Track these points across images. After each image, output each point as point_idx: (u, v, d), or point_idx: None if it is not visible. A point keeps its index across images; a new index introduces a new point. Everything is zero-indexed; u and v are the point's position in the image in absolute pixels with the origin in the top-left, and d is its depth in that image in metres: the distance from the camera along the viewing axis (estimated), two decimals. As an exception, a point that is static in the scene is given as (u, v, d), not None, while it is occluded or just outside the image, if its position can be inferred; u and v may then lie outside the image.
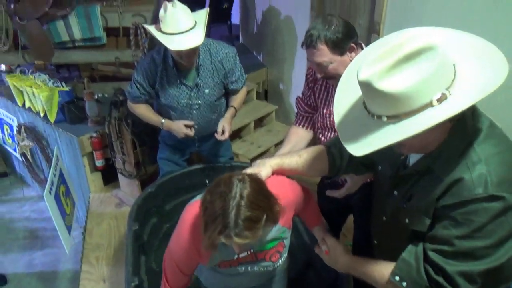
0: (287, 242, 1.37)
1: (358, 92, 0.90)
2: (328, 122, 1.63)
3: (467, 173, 0.89)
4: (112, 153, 2.67)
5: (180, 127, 1.99)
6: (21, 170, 3.74)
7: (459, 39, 0.91)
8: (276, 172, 1.33)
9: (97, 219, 2.72)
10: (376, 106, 0.85)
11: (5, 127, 3.41)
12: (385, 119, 0.84)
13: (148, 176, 2.71)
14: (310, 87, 1.71)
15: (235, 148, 3.23)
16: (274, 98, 3.86)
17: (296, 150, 1.42)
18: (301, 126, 1.81)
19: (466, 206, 0.89)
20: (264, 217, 1.03)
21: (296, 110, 1.86)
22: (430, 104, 0.80)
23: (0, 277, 2.77)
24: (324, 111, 1.63)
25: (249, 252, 1.30)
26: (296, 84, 3.55)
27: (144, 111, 2.09)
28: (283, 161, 1.34)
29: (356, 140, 0.89)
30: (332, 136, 1.65)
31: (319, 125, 1.69)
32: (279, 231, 1.31)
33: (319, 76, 1.51)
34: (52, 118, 2.82)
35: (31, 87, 2.78)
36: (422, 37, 0.81)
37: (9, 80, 2.97)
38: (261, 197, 1.06)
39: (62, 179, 2.36)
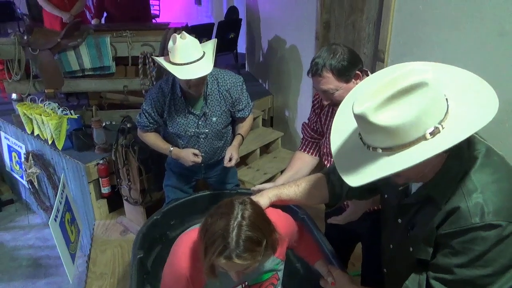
0: (280, 274, 1.35)
1: (354, 123, 0.93)
2: None
3: (463, 202, 0.90)
4: (118, 180, 2.68)
5: (188, 155, 2.00)
6: (27, 197, 3.74)
7: (453, 74, 0.94)
8: (275, 203, 1.34)
9: (101, 247, 2.69)
10: (371, 138, 0.88)
11: (14, 154, 3.44)
12: (380, 151, 0.87)
13: (153, 203, 2.70)
14: (317, 113, 1.72)
15: (241, 174, 3.23)
16: (279, 125, 3.89)
17: (294, 179, 1.42)
18: (306, 152, 1.81)
19: (464, 235, 0.90)
20: (265, 242, 1.04)
21: (301, 136, 1.86)
22: (423, 138, 0.83)
23: (1, 307, 2.73)
24: (328, 135, 1.64)
25: (243, 286, 1.28)
26: (301, 111, 3.58)
27: (153, 140, 2.11)
28: (281, 192, 1.35)
29: (353, 171, 0.91)
30: None
31: (325, 151, 1.70)
32: (274, 262, 1.30)
33: (325, 103, 1.53)
34: (60, 146, 2.85)
35: (41, 115, 2.83)
36: (416, 73, 0.84)
37: (19, 108, 3.03)
38: (262, 220, 1.07)
39: (68, 206, 2.35)
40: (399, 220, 1.11)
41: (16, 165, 3.46)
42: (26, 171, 3.21)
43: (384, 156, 0.86)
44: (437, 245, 0.97)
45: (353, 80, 1.47)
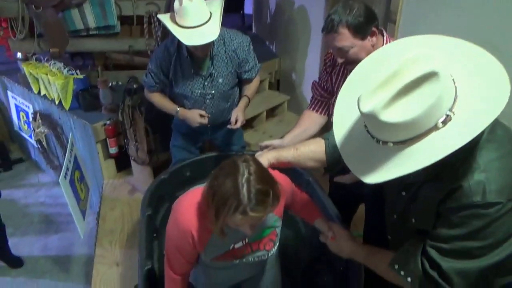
0: (278, 230, 1.40)
1: (357, 111, 0.89)
2: None
3: (465, 180, 0.90)
4: (125, 140, 2.71)
5: (195, 116, 2.01)
6: (37, 156, 3.81)
7: (459, 49, 0.90)
8: (273, 165, 1.37)
9: (110, 204, 2.77)
10: (381, 133, 0.86)
11: (21, 114, 3.47)
12: (391, 145, 0.85)
13: (160, 163, 2.74)
14: (328, 72, 1.70)
15: (247, 137, 3.24)
16: (286, 88, 3.85)
17: (294, 144, 1.43)
18: (314, 111, 1.80)
19: (464, 210, 0.90)
20: (271, 192, 1.07)
21: (311, 94, 1.84)
22: (435, 127, 0.81)
23: (16, 259, 2.85)
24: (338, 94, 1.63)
25: (244, 242, 1.33)
26: (308, 75, 3.53)
27: (160, 100, 2.11)
28: (280, 154, 1.37)
29: (365, 166, 0.89)
30: None
31: (333, 110, 1.69)
32: (272, 219, 1.34)
33: (339, 61, 1.50)
34: (67, 106, 2.86)
35: (47, 74, 2.82)
36: (423, 61, 0.80)
37: (25, 68, 3.01)
38: (266, 173, 1.13)
39: (76, 165, 2.40)
40: (403, 193, 1.12)
41: (24, 125, 3.50)
42: (34, 130, 3.25)
43: (397, 151, 0.84)
44: (437, 216, 0.98)
45: (368, 37, 1.44)
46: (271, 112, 3.71)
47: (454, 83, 0.84)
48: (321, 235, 1.38)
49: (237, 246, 1.33)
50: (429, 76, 0.78)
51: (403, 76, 0.79)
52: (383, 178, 0.85)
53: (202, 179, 2.28)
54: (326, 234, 1.35)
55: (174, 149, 2.34)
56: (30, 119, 3.29)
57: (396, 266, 1.06)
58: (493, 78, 0.83)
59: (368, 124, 0.89)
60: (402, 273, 1.04)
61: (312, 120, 1.80)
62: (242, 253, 1.34)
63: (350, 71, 1.56)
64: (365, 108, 0.82)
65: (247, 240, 1.33)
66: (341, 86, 1.60)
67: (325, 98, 1.76)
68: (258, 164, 1.12)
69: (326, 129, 1.76)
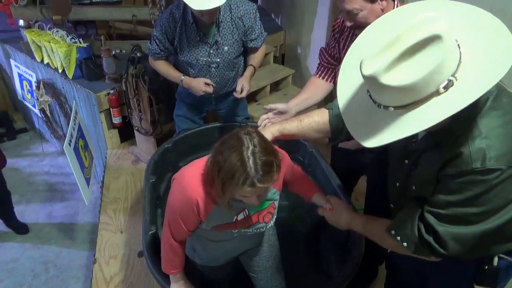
0: (277, 203, 1.41)
1: (360, 78, 0.88)
2: None
3: (466, 147, 0.89)
4: (129, 110, 2.71)
5: (200, 84, 1.99)
6: (40, 126, 3.82)
7: (465, 13, 0.88)
8: (277, 138, 1.37)
9: (114, 174, 2.79)
10: (382, 97, 0.85)
11: (25, 83, 3.46)
12: (392, 109, 0.84)
13: (164, 134, 2.74)
14: (336, 38, 1.67)
15: (250, 110, 3.21)
16: (291, 62, 3.81)
17: (297, 116, 1.43)
18: (321, 77, 1.78)
19: (463, 176, 0.90)
20: (275, 162, 1.09)
21: (317, 65, 1.82)
22: (436, 93, 0.80)
23: (22, 226, 2.90)
24: None
25: (245, 214, 1.34)
26: (314, 49, 3.48)
27: (164, 68, 2.09)
28: (283, 127, 1.37)
29: (366, 131, 0.89)
30: None
31: None
32: (271, 192, 1.35)
33: (348, 24, 1.48)
34: (70, 74, 2.84)
35: (49, 42, 2.79)
36: (427, 24, 0.78)
37: (28, 35, 2.98)
38: (269, 144, 1.13)
39: (80, 133, 2.41)
40: (406, 161, 1.13)
41: (27, 94, 3.49)
42: (37, 99, 3.24)
43: (397, 116, 0.84)
44: (436, 183, 0.98)
45: (378, 1, 1.41)
46: (275, 86, 3.67)
47: (459, 48, 0.82)
48: (319, 209, 1.39)
49: (239, 218, 1.34)
50: (432, 39, 0.76)
51: (405, 39, 0.78)
52: (381, 142, 0.85)
53: (206, 149, 2.29)
54: (324, 207, 1.37)
55: (178, 119, 2.34)
56: (34, 88, 3.28)
57: (393, 232, 1.07)
58: (499, 44, 0.81)
59: (370, 88, 0.88)
60: (398, 238, 1.06)
61: (318, 87, 1.78)
62: (243, 225, 1.36)
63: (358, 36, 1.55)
64: (367, 71, 0.81)
65: (247, 212, 1.34)
66: (348, 45, 1.59)
67: (332, 65, 1.74)
68: (261, 135, 1.13)
69: (331, 97, 1.76)
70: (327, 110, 1.36)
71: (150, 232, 1.63)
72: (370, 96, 0.89)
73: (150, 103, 2.53)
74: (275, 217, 1.44)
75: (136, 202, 2.54)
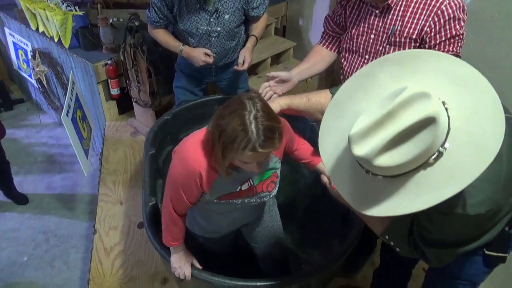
0: (278, 172, 1.41)
1: (346, 131, 0.85)
2: (354, 44, 1.57)
3: None
4: (127, 81, 2.66)
5: (200, 55, 1.94)
6: (37, 96, 3.77)
7: (451, 69, 0.84)
8: (283, 112, 1.37)
9: (113, 146, 2.77)
10: (371, 168, 0.83)
11: (20, 52, 3.38)
12: (380, 177, 0.83)
13: (162, 107, 2.71)
14: (342, 5, 1.62)
15: (251, 83, 3.15)
16: (292, 35, 3.72)
17: (306, 93, 1.41)
18: (325, 46, 1.75)
19: (444, 214, 0.90)
20: (278, 128, 1.07)
21: (319, 40, 1.78)
22: (426, 164, 0.79)
23: (21, 196, 2.91)
24: (353, 31, 1.56)
25: (249, 184, 1.34)
26: (317, 21, 3.39)
27: (163, 37, 2.03)
28: (292, 102, 1.37)
29: (359, 196, 0.89)
30: (356, 60, 1.61)
31: (344, 46, 1.63)
32: (273, 161, 1.35)
33: None
34: (66, 44, 2.77)
35: (44, 9, 2.70)
36: (418, 103, 0.75)
37: (22, 2, 2.89)
38: (272, 110, 1.11)
39: (78, 104, 2.37)
40: None
41: (23, 64, 3.42)
42: (34, 69, 3.17)
43: (386, 183, 0.83)
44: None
45: None
46: (276, 59, 3.61)
47: (447, 111, 0.80)
48: (322, 176, 1.38)
49: (244, 188, 1.33)
50: (426, 123, 0.74)
51: (399, 120, 0.76)
52: (376, 213, 0.85)
53: (206, 122, 2.26)
54: (327, 177, 1.35)
55: (177, 90, 2.30)
56: (29, 57, 3.21)
57: (387, 237, 1.10)
58: (485, 100, 0.79)
59: (359, 161, 0.87)
60: (392, 243, 1.09)
61: (321, 55, 1.74)
62: (247, 194, 1.35)
63: (365, 4, 1.50)
64: (359, 152, 0.79)
65: (252, 182, 1.33)
66: (354, 21, 1.55)
67: (337, 33, 1.70)
68: (264, 101, 1.11)
69: (334, 66, 1.72)
70: (330, 94, 1.35)
71: (150, 204, 1.63)
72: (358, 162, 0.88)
73: (148, 74, 2.49)
74: (278, 186, 1.43)
75: (136, 174, 2.54)
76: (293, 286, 1.40)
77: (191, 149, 1.22)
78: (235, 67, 1.99)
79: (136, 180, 2.48)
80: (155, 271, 1.97)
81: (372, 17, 1.48)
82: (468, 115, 0.79)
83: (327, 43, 1.74)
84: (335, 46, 1.73)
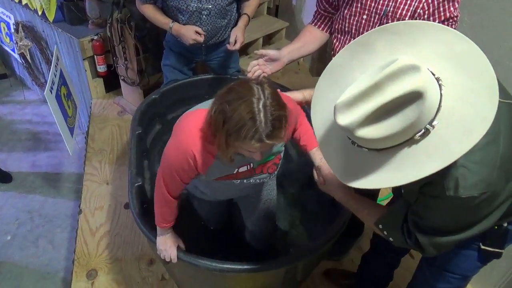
0: (282, 154, 1.37)
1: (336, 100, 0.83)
2: (346, 25, 1.53)
3: (438, 176, 0.83)
4: (114, 58, 2.58)
5: (190, 32, 1.87)
6: (21, 72, 3.65)
7: (452, 44, 0.81)
8: (301, 104, 1.38)
9: (99, 124, 2.71)
10: (356, 139, 0.82)
11: (2, 25, 3.25)
12: (365, 150, 0.82)
13: (151, 86, 2.64)
14: None
15: (241, 63, 3.08)
16: (285, 15, 3.64)
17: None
18: (316, 26, 1.70)
19: (438, 198, 0.89)
20: (285, 117, 1.02)
21: (315, 9, 1.72)
22: (412, 140, 0.77)
23: (5, 174, 2.84)
24: (345, 11, 1.52)
25: (248, 167, 1.31)
26: (310, 1, 3.32)
27: (152, 13, 1.95)
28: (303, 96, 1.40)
29: (345, 168, 0.89)
30: (348, 41, 1.57)
31: (336, 27, 1.59)
32: (279, 144, 1.30)
33: None
34: (50, 17, 2.67)
35: (27, -20, 2.59)
36: (407, 75, 0.72)
37: (3, -29, 2.76)
38: (280, 97, 1.03)
39: (63, 80, 2.29)
40: None
41: (6, 37, 3.29)
42: (17, 43, 3.06)
43: (371, 156, 0.82)
44: (419, 193, 0.97)
45: None
46: (268, 39, 3.54)
47: (440, 88, 0.77)
48: (314, 169, 1.33)
49: (241, 170, 1.30)
50: (413, 97, 0.72)
51: (384, 92, 0.73)
52: (357, 185, 0.85)
53: (195, 102, 2.21)
54: (317, 167, 1.32)
55: (166, 69, 2.23)
56: (12, 30, 3.09)
57: (380, 226, 1.08)
58: (482, 81, 0.77)
59: (345, 131, 0.85)
60: (385, 233, 1.08)
61: (312, 36, 1.70)
62: (245, 176, 1.32)
63: None
64: (342, 121, 0.78)
65: (252, 165, 1.30)
66: (347, 0, 1.50)
67: (329, 13, 1.65)
68: (273, 86, 1.03)
69: (325, 47, 1.68)
70: None
71: (136, 184, 1.60)
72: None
73: (136, 51, 2.41)
74: (279, 167, 1.40)
75: (122, 153, 2.49)
76: (280, 269, 1.39)
77: (188, 131, 1.17)
78: (227, 46, 1.93)
79: (123, 160, 2.44)
80: (142, 252, 1.95)
81: None
82: (462, 94, 0.77)
83: (319, 23, 1.69)
84: (327, 26, 1.68)
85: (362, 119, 0.75)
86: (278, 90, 1.09)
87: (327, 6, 1.63)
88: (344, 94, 0.78)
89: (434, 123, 0.76)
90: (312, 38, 1.69)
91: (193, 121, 1.18)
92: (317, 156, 1.36)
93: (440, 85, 0.77)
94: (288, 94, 1.49)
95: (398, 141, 0.78)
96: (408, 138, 0.77)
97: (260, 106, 0.96)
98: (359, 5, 1.46)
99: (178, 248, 1.38)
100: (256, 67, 1.59)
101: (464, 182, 0.84)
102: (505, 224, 1.06)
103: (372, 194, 1.85)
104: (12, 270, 2.29)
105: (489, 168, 0.85)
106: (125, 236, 2.03)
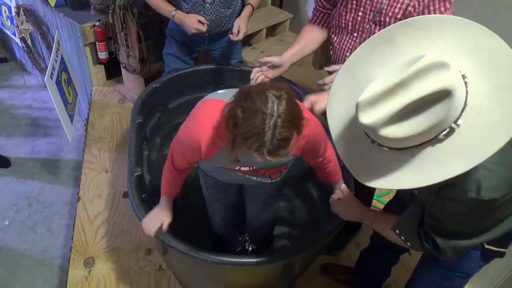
0: (289, 164, 1.37)
1: (355, 96, 0.80)
2: (343, 21, 1.54)
3: (459, 178, 0.80)
4: (115, 45, 2.55)
5: (193, 21, 1.84)
6: (22, 56, 3.61)
7: (477, 39, 0.78)
8: None
9: (99, 112, 2.69)
10: (377, 138, 0.79)
11: (3, 8, 3.20)
12: (386, 149, 0.80)
13: (152, 74, 2.61)
14: None
15: (245, 55, 3.06)
16: (289, 6, 3.60)
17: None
18: (316, 24, 1.70)
19: (458, 201, 0.87)
20: (294, 136, 1.00)
21: (314, 5, 1.71)
22: (436, 139, 0.75)
23: (3, 159, 2.83)
24: (342, 8, 1.52)
25: (251, 168, 1.32)
26: (315, -8, 3.27)
27: (155, 0, 1.92)
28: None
29: (363, 167, 0.86)
30: (345, 37, 1.57)
31: (334, 23, 1.60)
32: (287, 158, 1.28)
33: None
34: (52, 1, 2.63)
35: (29, -37, 2.54)
36: (435, 73, 0.69)
37: (5, -47, 2.71)
38: (295, 114, 1.00)
39: (63, 66, 2.27)
40: None
41: (7, 20, 3.25)
42: (18, 27, 3.02)
43: (391, 154, 0.80)
44: (436, 196, 0.94)
45: None
46: (272, 31, 3.50)
47: (466, 85, 0.74)
48: (331, 198, 1.36)
49: (243, 169, 1.32)
50: (441, 95, 0.69)
51: (411, 89, 0.70)
52: (376, 184, 0.83)
53: (197, 92, 2.21)
54: (333, 197, 1.35)
55: (168, 58, 2.20)
56: (13, 14, 3.04)
57: (397, 231, 1.07)
58: (507, 77, 0.74)
59: (366, 130, 0.82)
60: (402, 238, 1.07)
61: (313, 35, 1.69)
62: (246, 173, 1.34)
63: None
64: (365, 120, 0.75)
65: (255, 167, 1.32)
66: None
67: (328, 9, 1.65)
68: (291, 99, 0.99)
69: (327, 43, 1.67)
70: None
71: (136, 174, 1.58)
72: (364, 131, 0.84)
73: (138, 38, 2.38)
74: (283, 175, 1.41)
75: (122, 142, 2.47)
76: (277, 263, 1.39)
77: (199, 123, 1.20)
78: (230, 36, 1.91)
79: (122, 148, 2.42)
80: (139, 242, 1.95)
81: None
82: (488, 92, 0.74)
83: (318, 20, 1.69)
84: (326, 23, 1.68)
85: (387, 118, 0.73)
86: (299, 103, 1.06)
87: (325, 3, 1.63)
88: (366, 91, 0.75)
89: (459, 122, 0.74)
90: (312, 37, 1.70)
91: (207, 113, 1.20)
92: (339, 186, 1.42)
93: (466, 83, 0.74)
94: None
95: (422, 140, 0.76)
96: (432, 138, 0.75)
97: (271, 124, 0.94)
98: (355, 1, 1.47)
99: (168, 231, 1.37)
100: (259, 73, 1.61)
101: (487, 184, 0.82)
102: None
103: (368, 193, 1.85)
104: (9, 256, 2.29)
105: (509, 170, 0.84)
106: (123, 225, 2.02)
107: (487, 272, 1.80)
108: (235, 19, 1.95)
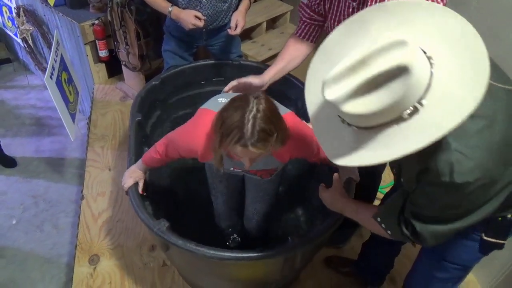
0: (280, 171, 1.47)
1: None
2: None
3: (432, 161, 0.84)
4: (115, 43, 2.55)
5: (189, 17, 1.83)
6: (24, 57, 3.63)
7: (446, 22, 0.79)
8: None
9: (101, 110, 2.70)
10: (345, 116, 0.82)
11: (4, 9, 3.22)
12: (355, 128, 0.83)
13: (152, 71, 2.62)
14: None
15: (245, 48, 3.06)
16: (290, -3, 3.57)
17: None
18: (301, 37, 1.58)
19: (434, 185, 0.88)
20: (275, 134, 1.12)
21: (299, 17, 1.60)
22: (400, 118, 0.77)
23: (9, 159, 2.86)
24: (331, 22, 1.44)
25: (241, 170, 1.42)
26: (315, -17, 3.23)
27: None
28: None
29: (333, 145, 0.89)
30: None
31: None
32: (275, 163, 1.40)
33: None
34: (51, 1, 2.63)
35: (27, -37, 2.55)
36: (395, 50, 0.71)
37: (3, -46, 2.72)
38: (275, 115, 1.14)
39: (63, 66, 2.28)
40: None
41: (8, 21, 3.27)
42: (19, 28, 3.03)
43: (360, 134, 0.82)
44: (417, 182, 0.95)
45: None
46: (272, 23, 3.46)
47: (431, 66, 0.75)
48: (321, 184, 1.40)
49: (236, 171, 1.47)
50: (399, 72, 0.70)
51: (371, 66, 0.73)
52: (340, 162, 0.86)
53: (196, 88, 2.21)
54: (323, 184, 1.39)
55: (166, 54, 2.20)
56: (14, 14, 3.06)
57: (379, 219, 1.09)
58: (474, 58, 0.75)
59: (334, 107, 0.83)
60: (383, 225, 1.08)
61: (297, 50, 1.58)
62: (238, 172, 1.48)
63: None
64: (328, 96, 0.78)
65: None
66: (333, 11, 1.42)
67: (315, 20, 1.53)
68: (269, 104, 1.13)
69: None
70: None
71: (136, 172, 1.59)
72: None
73: (137, 35, 2.38)
74: (275, 176, 1.50)
75: (125, 139, 2.48)
76: (278, 258, 1.39)
77: (196, 134, 1.31)
78: (228, 30, 1.90)
79: (125, 145, 2.43)
80: (143, 238, 1.96)
81: (350, 10, 1.36)
82: (453, 74, 0.76)
83: (303, 33, 1.57)
84: (312, 37, 1.56)
85: (348, 93, 0.75)
86: (279, 112, 1.18)
87: (312, 14, 1.51)
88: (332, 70, 0.78)
89: (423, 101, 0.75)
90: (296, 52, 1.59)
91: (203, 124, 1.30)
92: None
93: (431, 64, 0.76)
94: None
95: (386, 119, 0.78)
96: (397, 116, 0.77)
97: (250, 116, 1.07)
98: (343, 18, 1.38)
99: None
100: (234, 88, 1.56)
101: (459, 167, 0.82)
102: (510, 216, 1.04)
103: (373, 187, 1.84)
104: (17, 254, 2.33)
105: (485, 154, 0.83)
106: (127, 222, 2.04)
107: (493, 262, 1.79)
108: (232, 13, 1.94)
